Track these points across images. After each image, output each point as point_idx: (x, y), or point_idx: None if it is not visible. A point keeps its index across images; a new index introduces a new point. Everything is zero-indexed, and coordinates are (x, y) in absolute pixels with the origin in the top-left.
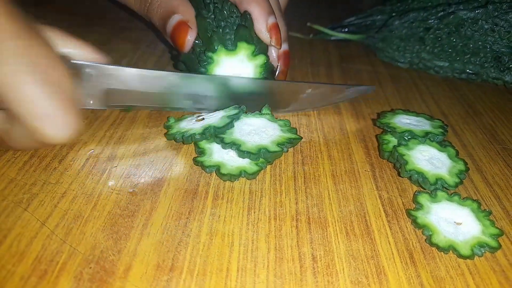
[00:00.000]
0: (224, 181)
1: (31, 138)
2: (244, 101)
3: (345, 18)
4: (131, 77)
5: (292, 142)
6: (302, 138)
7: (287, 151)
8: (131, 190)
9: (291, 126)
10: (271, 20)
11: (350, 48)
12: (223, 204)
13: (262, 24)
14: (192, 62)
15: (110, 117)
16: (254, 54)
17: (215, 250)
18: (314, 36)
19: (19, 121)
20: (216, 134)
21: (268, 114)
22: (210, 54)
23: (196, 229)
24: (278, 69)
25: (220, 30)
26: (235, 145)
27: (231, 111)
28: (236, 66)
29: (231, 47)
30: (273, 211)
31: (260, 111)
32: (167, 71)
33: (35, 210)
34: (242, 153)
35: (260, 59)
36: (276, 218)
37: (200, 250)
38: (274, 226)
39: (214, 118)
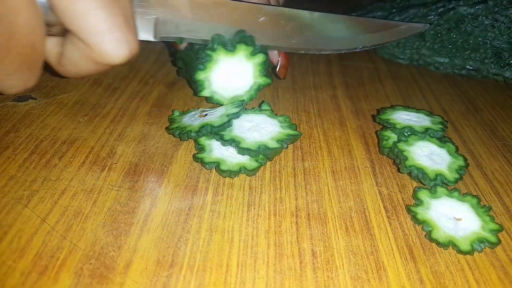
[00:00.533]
0: (224, 177)
1: (89, 58)
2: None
3: (345, 14)
4: (182, 6)
5: (291, 139)
6: (301, 134)
7: (287, 147)
8: (131, 187)
9: (290, 122)
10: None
11: None
12: (223, 200)
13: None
14: (190, 59)
15: (110, 114)
16: (253, 54)
17: (215, 246)
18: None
19: (77, 42)
20: (213, 132)
21: (268, 110)
22: (209, 52)
23: (196, 225)
24: (279, 64)
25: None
26: (235, 142)
27: (232, 109)
28: (235, 65)
29: (230, 48)
30: (273, 207)
31: (259, 107)
32: None
33: (35, 207)
34: (242, 150)
35: (259, 58)
36: (276, 214)
37: (200, 246)
38: (274, 222)
39: (214, 116)
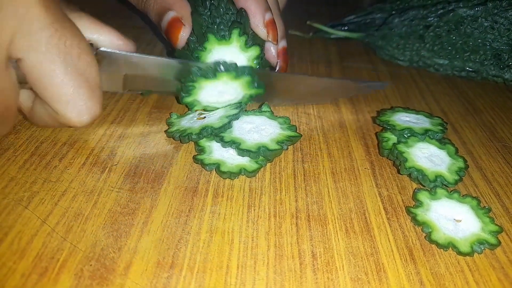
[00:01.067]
0: (224, 179)
1: (53, 119)
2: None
3: (344, 16)
4: (150, 65)
5: (291, 140)
6: (301, 135)
7: (287, 148)
8: (131, 188)
9: (290, 123)
10: (268, 15)
11: (349, 46)
12: (223, 202)
13: (259, 20)
14: (186, 58)
15: (110, 115)
16: (247, 46)
17: (215, 248)
18: (314, 34)
19: (45, 103)
20: (214, 134)
21: (268, 111)
22: (190, 83)
23: (196, 227)
24: (277, 66)
25: (215, 26)
26: (235, 144)
27: (231, 111)
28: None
29: (211, 76)
30: (273, 209)
31: (259, 109)
32: (183, 60)
33: (35, 208)
34: (242, 151)
35: (254, 51)
36: (276, 215)
37: (200, 248)
38: (274, 224)
39: (214, 118)
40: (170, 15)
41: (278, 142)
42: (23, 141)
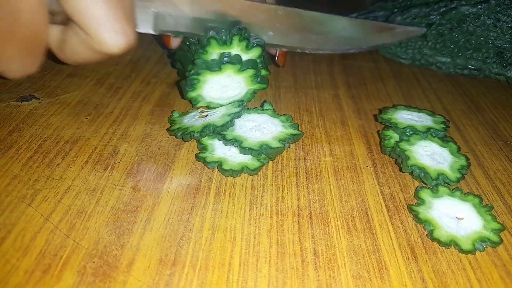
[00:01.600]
0: (226, 176)
1: (89, 47)
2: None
3: (346, 14)
4: (181, 1)
5: (293, 138)
6: (303, 133)
7: (289, 146)
8: (134, 186)
9: (292, 121)
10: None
11: None
12: (225, 200)
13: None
14: (187, 60)
15: (113, 113)
16: (248, 48)
17: (217, 245)
18: None
19: (78, 31)
20: (216, 132)
21: (270, 109)
22: (195, 76)
23: (199, 224)
24: (277, 52)
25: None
26: (237, 142)
27: (233, 109)
28: (225, 80)
29: (216, 69)
30: (275, 207)
31: (261, 107)
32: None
33: (38, 206)
34: (244, 149)
35: (255, 52)
36: (278, 213)
37: (203, 245)
38: (276, 221)
39: (216, 116)
40: None
41: (280, 140)
42: (26, 139)
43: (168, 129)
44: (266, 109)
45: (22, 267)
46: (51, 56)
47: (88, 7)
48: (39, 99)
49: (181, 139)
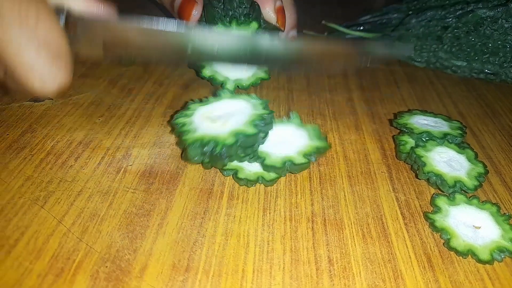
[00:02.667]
0: (240, 185)
1: (21, 88)
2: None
3: (359, 16)
4: (129, 31)
5: (320, 151)
6: (330, 146)
7: (316, 160)
8: (147, 189)
9: (320, 132)
10: (278, 3)
11: None
12: (238, 204)
13: (270, 7)
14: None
15: (126, 115)
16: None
17: (230, 251)
18: (329, 34)
19: (9, 72)
20: (255, 157)
21: (296, 120)
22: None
23: (212, 229)
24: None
25: (227, 18)
26: (259, 159)
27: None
28: None
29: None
30: (289, 212)
31: (287, 117)
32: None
33: (51, 208)
34: (267, 167)
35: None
36: (291, 219)
37: (216, 251)
38: (290, 228)
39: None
40: None
41: (305, 155)
42: (39, 140)
43: (183, 151)
44: (292, 120)
45: (35, 270)
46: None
47: (13, 56)
48: (52, 99)
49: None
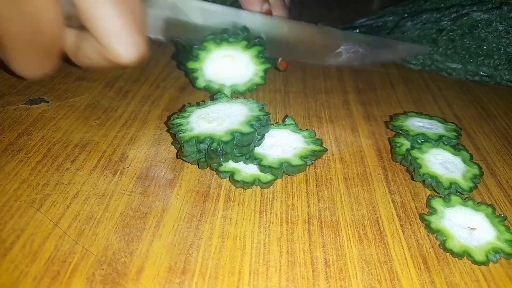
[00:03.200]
0: (236, 187)
1: (102, 56)
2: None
3: (355, 19)
4: (191, 9)
5: (316, 155)
6: (327, 150)
7: (312, 163)
8: (143, 192)
9: (315, 137)
10: (265, 6)
11: None
12: (235, 207)
13: (256, 9)
14: (186, 60)
15: (122, 117)
16: (248, 47)
17: (227, 253)
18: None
19: (93, 38)
20: (251, 157)
21: (292, 124)
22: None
23: (208, 232)
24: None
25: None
26: (256, 160)
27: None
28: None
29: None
30: (285, 214)
31: (283, 122)
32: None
33: (47, 211)
34: (264, 168)
35: (255, 50)
36: (288, 221)
37: (212, 253)
38: (286, 230)
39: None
40: None
41: (302, 158)
42: (35, 143)
43: (179, 153)
44: (288, 124)
45: (31, 273)
46: (65, 58)
47: (103, 21)
48: (48, 102)
49: (197, 164)
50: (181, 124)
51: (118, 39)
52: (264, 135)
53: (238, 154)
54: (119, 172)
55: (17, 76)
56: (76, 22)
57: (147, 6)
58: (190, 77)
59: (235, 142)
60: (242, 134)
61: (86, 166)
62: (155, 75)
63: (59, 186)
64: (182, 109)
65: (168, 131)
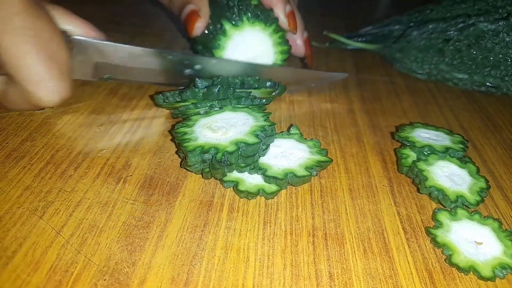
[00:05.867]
0: (240, 198)
1: (26, 100)
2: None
3: (361, 27)
4: (119, 52)
5: (321, 165)
6: (332, 160)
7: (317, 174)
8: (146, 200)
9: (320, 147)
10: (288, 8)
11: (366, 58)
12: (239, 217)
13: (280, 10)
14: (207, 40)
15: (126, 124)
16: (275, 31)
17: (230, 265)
18: (330, 44)
19: (17, 85)
20: (256, 168)
21: (297, 134)
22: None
23: (211, 243)
24: (305, 55)
25: (238, 15)
26: (261, 170)
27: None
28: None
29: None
30: (289, 226)
31: (288, 131)
32: (151, 49)
33: (50, 219)
34: (268, 178)
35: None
36: (292, 233)
37: (215, 265)
38: (290, 242)
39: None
40: (189, 8)
41: (307, 168)
42: (39, 149)
43: (183, 163)
44: (293, 134)
45: (33, 282)
46: None
47: (25, 68)
48: (52, 107)
49: (201, 174)
50: (185, 133)
51: (40, 86)
52: (269, 145)
53: (243, 165)
54: (122, 180)
55: None
56: (3, 69)
57: (75, 52)
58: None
59: (240, 152)
60: (247, 144)
61: (89, 173)
62: None
63: (62, 194)
64: (187, 118)
65: (172, 139)
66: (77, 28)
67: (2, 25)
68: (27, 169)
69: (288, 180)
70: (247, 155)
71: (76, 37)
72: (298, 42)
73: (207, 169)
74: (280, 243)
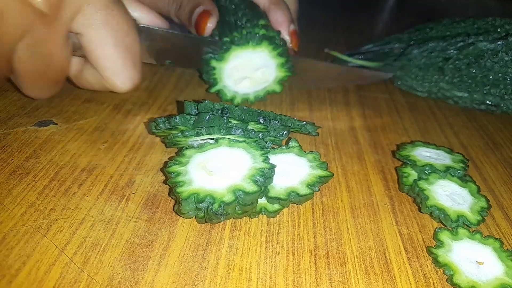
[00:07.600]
0: (242, 217)
1: (100, 83)
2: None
3: (361, 45)
4: (180, 42)
5: (323, 181)
6: (333, 174)
7: (319, 189)
8: (149, 218)
9: (320, 159)
10: (292, 27)
11: None
12: (241, 236)
13: (285, 29)
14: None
15: (129, 141)
16: (279, 55)
17: (232, 284)
18: (331, 62)
19: (94, 69)
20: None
21: (296, 147)
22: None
23: (214, 262)
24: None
25: (243, 36)
26: (263, 192)
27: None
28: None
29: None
30: (291, 245)
31: (287, 145)
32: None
33: (54, 236)
34: (272, 199)
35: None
36: (294, 252)
37: (218, 284)
38: (292, 261)
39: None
40: (200, 9)
41: (308, 185)
42: (43, 166)
43: (177, 210)
44: (292, 147)
45: None
46: (68, 80)
47: (105, 59)
48: (57, 124)
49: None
50: (178, 174)
51: (117, 75)
52: (267, 186)
53: (240, 212)
54: (125, 197)
55: (26, 96)
56: (80, 52)
57: (142, 39)
58: (208, 82)
59: (237, 201)
60: (245, 193)
61: (93, 190)
62: (162, 98)
63: (66, 211)
64: (180, 152)
65: (166, 180)
66: (143, 15)
67: (88, 20)
68: (31, 186)
69: (290, 199)
70: (246, 203)
71: (143, 25)
72: (284, 35)
73: (202, 215)
74: (282, 262)
